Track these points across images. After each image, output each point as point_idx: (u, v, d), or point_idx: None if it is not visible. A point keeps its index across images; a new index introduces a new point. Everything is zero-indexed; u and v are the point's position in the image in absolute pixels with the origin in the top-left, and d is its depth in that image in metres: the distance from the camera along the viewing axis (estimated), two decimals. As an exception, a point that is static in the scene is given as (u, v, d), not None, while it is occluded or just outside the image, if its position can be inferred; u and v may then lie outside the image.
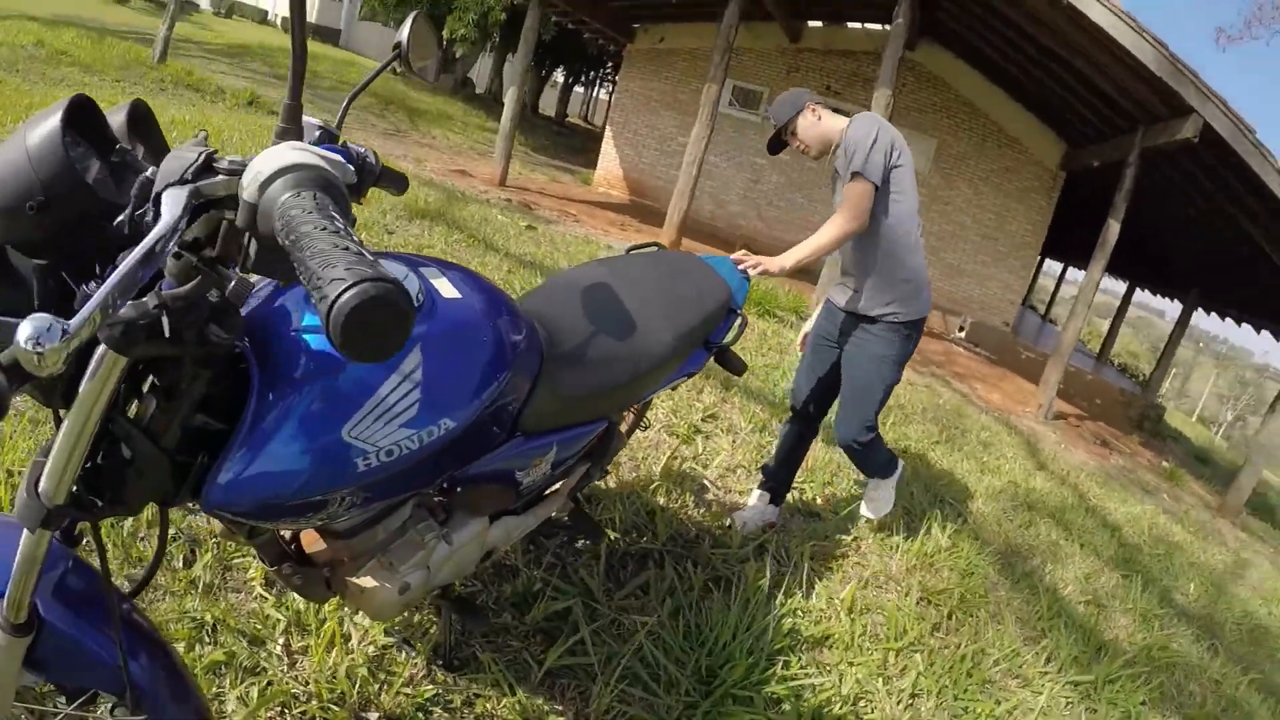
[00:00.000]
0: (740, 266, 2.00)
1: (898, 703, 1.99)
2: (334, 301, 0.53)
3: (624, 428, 1.93)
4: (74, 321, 0.58)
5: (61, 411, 0.73)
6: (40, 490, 0.73)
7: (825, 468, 3.29)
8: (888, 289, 2.35)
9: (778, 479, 2.71)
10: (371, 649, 1.55)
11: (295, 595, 1.55)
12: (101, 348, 0.69)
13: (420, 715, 1.47)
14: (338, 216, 0.61)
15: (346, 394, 0.91)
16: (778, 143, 2.46)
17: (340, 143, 0.99)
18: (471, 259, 4.79)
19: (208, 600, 1.54)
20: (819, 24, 10.82)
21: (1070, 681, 2.38)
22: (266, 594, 1.61)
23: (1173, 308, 15.48)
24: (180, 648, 1.40)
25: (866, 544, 2.77)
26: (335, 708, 1.40)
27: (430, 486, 1.14)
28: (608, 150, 12.54)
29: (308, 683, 1.44)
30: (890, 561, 2.70)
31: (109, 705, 0.88)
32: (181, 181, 0.68)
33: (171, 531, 1.65)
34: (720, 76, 7.60)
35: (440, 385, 0.99)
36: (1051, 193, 10.22)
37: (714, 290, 1.73)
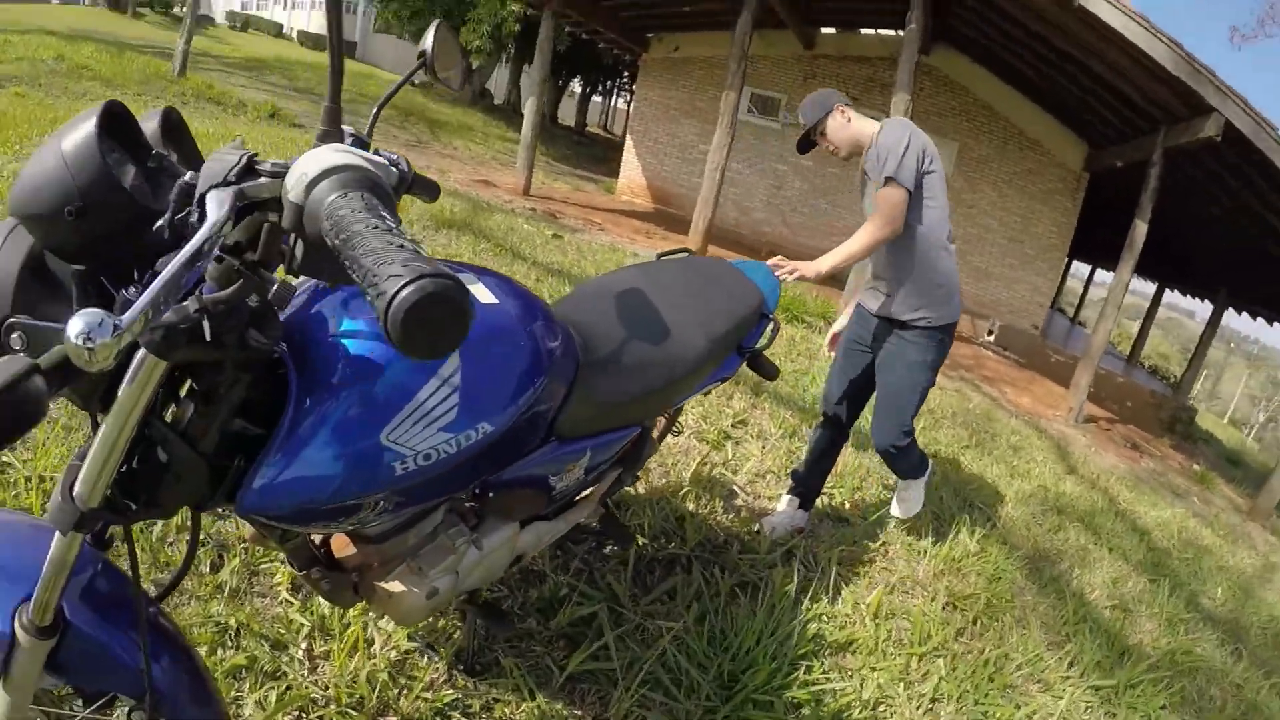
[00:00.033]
0: (777, 273, 1.98)
1: (917, 708, 1.97)
2: (392, 298, 0.52)
3: (656, 433, 1.92)
4: (126, 317, 0.58)
5: (99, 416, 0.74)
6: (75, 494, 0.73)
7: (855, 473, 3.26)
8: (920, 294, 2.34)
9: (807, 484, 2.69)
10: (394, 654, 1.56)
11: (321, 600, 1.56)
12: (141, 352, 0.69)
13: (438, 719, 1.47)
14: (388, 216, 0.60)
15: (385, 398, 0.91)
16: (806, 142, 2.46)
17: (372, 150, 0.99)
18: (499, 268, 4.76)
19: (233, 605, 1.55)
20: (832, 31, 10.78)
21: (1091, 686, 2.34)
22: (292, 599, 1.62)
23: (1203, 308, 15.17)
24: (202, 651, 1.40)
25: (894, 549, 2.74)
26: (353, 712, 1.40)
27: (464, 491, 1.14)
28: (629, 159, 12.58)
29: (327, 687, 1.44)
30: (918, 566, 2.67)
31: (126, 709, 0.87)
32: (225, 183, 0.68)
33: (200, 536, 1.66)
34: (738, 84, 7.58)
35: (478, 390, 0.99)
36: (1076, 194, 10.08)
37: (745, 295, 1.72)
